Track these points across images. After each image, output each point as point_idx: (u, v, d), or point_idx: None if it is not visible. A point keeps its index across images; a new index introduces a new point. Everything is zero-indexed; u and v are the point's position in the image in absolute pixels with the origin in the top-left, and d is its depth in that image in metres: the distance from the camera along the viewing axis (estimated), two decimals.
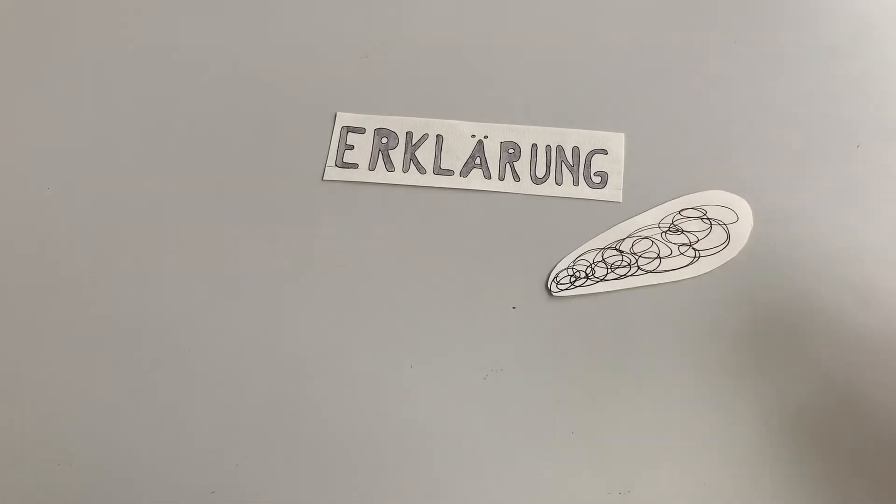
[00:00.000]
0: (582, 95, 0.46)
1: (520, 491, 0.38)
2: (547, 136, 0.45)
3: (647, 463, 0.38)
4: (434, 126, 0.46)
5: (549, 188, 0.44)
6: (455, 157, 0.45)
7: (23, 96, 0.48)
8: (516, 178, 0.44)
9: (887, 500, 0.37)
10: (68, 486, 0.38)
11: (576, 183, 0.44)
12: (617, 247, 0.42)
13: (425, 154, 0.45)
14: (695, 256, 0.42)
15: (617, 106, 0.46)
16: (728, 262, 0.42)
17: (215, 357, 0.41)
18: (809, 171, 0.44)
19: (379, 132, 0.46)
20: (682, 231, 0.42)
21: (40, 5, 0.51)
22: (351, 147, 0.45)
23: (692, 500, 0.37)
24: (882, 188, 0.43)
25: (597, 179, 0.44)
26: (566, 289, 0.41)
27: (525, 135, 0.45)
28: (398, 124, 0.46)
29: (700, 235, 0.42)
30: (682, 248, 0.42)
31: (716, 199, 0.43)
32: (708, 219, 0.42)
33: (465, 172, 0.45)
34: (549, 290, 0.41)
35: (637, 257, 0.42)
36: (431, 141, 0.45)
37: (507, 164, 0.45)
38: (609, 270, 0.42)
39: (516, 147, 0.45)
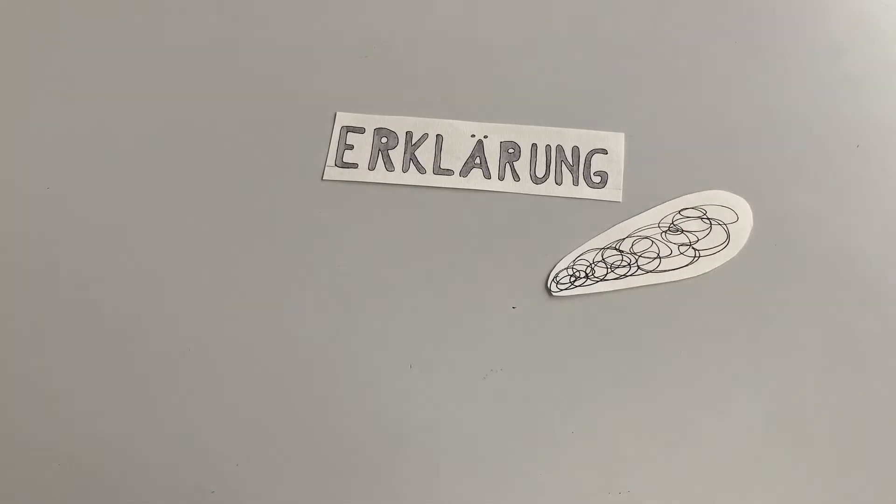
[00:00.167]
0: (582, 95, 0.46)
1: (520, 491, 0.38)
2: (547, 135, 0.45)
3: (647, 463, 0.38)
4: (434, 126, 0.46)
5: (548, 188, 0.44)
6: (455, 157, 0.45)
7: (23, 95, 0.48)
8: (516, 177, 0.44)
9: (887, 500, 0.37)
10: (68, 486, 0.38)
11: (576, 183, 0.44)
12: (617, 246, 0.42)
13: (425, 154, 0.45)
14: (695, 256, 0.42)
15: (617, 105, 0.46)
16: (728, 261, 0.42)
17: (215, 357, 0.40)
18: (809, 170, 0.44)
19: (379, 132, 0.46)
20: (682, 231, 0.42)
21: (40, 5, 0.51)
22: (351, 147, 0.45)
23: (692, 500, 0.37)
24: (882, 188, 0.43)
25: (597, 179, 0.44)
26: (566, 288, 0.41)
27: (525, 134, 0.45)
28: (398, 124, 0.46)
29: (700, 235, 0.42)
30: (682, 248, 0.42)
31: (716, 199, 0.43)
32: (708, 218, 0.42)
33: (464, 172, 0.44)
34: (548, 290, 0.41)
35: (637, 257, 0.42)
36: (431, 141, 0.45)
37: (507, 164, 0.45)
38: (609, 270, 0.42)
39: (516, 147, 0.45)
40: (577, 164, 0.44)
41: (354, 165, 0.45)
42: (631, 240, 0.42)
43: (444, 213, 0.44)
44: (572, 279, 0.41)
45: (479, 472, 0.38)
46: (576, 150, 0.45)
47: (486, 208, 0.44)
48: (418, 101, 0.46)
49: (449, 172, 0.45)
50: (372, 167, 0.45)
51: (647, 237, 0.42)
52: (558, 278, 0.41)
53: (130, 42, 0.49)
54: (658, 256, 0.42)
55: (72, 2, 0.51)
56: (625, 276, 0.41)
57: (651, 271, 0.41)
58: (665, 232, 0.42)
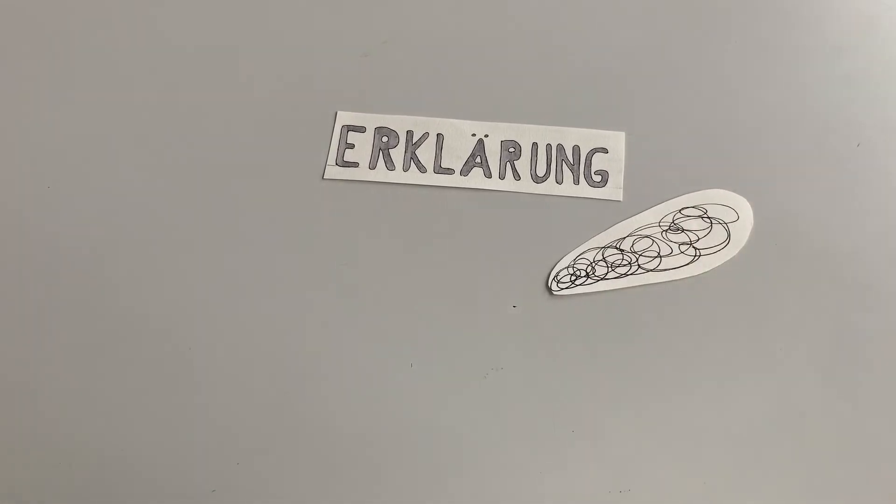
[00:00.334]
0: (582, 94, 0.46)
1: (520, 489, 0.38)
2: (547, 134, 0.45)
3: (648, 462, 0.38)
4: (434, 125, 0.46)
5: (549, 187, 0.44)
6: (455, 156, 0.45)
7: (23, 94, 0.48)
8: (517, 176, 0.44)
9: (886, 500, 0.37)
10: (68, 486, 0.38)
11: (576, 182, 0.44)
12: (617, 245, 0.42)
13: (426, 153, 0.45)
14: (695, 255, 0.42)
15: (617, 105, 0.46)
16: (728, 260, 0.42)
17: (216, 356, 0.40)
18: (810, 170, 0.44)
19: (379, 131, 0.46)
20: (683, 230, 0.42)
21: (41, 5, 0.51)
22: (351, 146, 0.45)
23: (692, 500, 0.37)
24: (882, 187, 0.43)
25: (597, 178, 0.44)
26: (567, 287, 0.41)
27: (525, 133, 0.45)
28: (398, 123, 0.46)
29: (700, 234, 0.42)
30: (683, 247, 0.42)
31: (716, 198, 0.43)
32: (708, 217, 0.42)
33: (465, 171, 0.44)
34: (549, 289, 0.41)
35: (637, 256, 0.42)
36: (432, 140, 0.45)
37: (508, 163, 0.45)
38: (609, 269, 0.42)
39: (517, 146, 0.45)
40: (577, 164, 0.44)
41: (355, 164, 0.45)
42: (631, 239, 0.42)
43: (445, 212, 0.44)
44: (573, 278, 0.41)
45: (479, 471, 0.38)
46: (576, 149, 0.45)
47: (487, 207, 0.44)
48: (419, 101, 0.46)
49: (450, 171, 0.45)
50: (372, 166, 0.45)
51: (647, 236, 0.42)
52: (559, 277, 0.41)
53: (131, 42, 0.49)
54: (659, 255, 0.42)
55: (72, 2, 0.51)
56: (625, 275, 0.41)
57: (652, 270, 0.41)
58: (666, 231, 0.42)
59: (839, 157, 0.44)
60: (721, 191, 0.43)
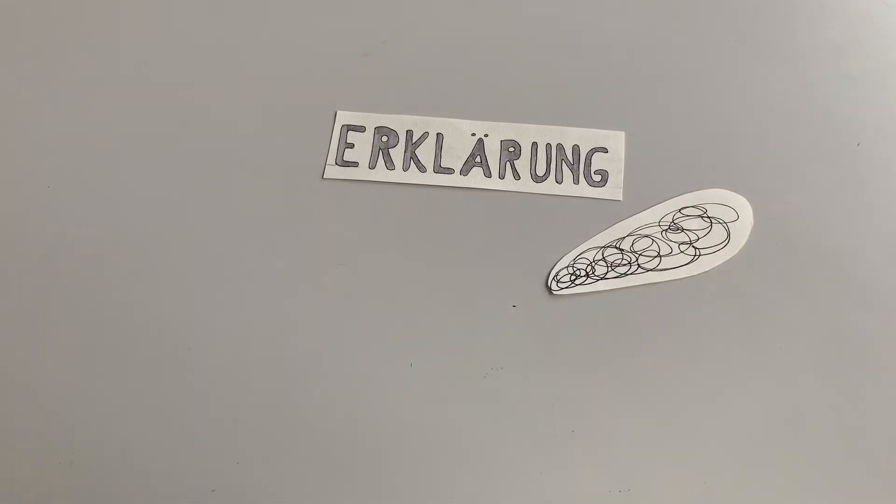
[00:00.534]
0: (582, 94, 0.46)
1: (520, 489, 0.38)
2: (547, 134, 0.45)
3: (648, 461, 0.38)
4: (434, 124, 0.46)
5: (549, 186, 0.44)
6: (455, 156, 0.45)
7: (23, 94, 0.48)
8: (516, 176, 0.44)
9: (887, 500, 0.37)
10: (69, 485, 0.38)
11: (576, 181, 0.44)
12: (617, 245, 0.42)
13: (425, 152, 0.45)
14: (695, 255, 0.42)
15: (617, 104, 0.46)
16: (728, 260, 0.42)
17: (216, 355, 0.40)
18: (810, 169, 0.44)
19: (379, 130, 0.46)
20: (683, 229, 0.42)
21: (41, 5, 0.51)
22: (351, 145, 0.45)
23: (692, 499, 0.37)
24: (882, 187, 0.43)
25: (597, 178, 0.44)
26: (566, 287, 0.41)
27: (525, 133, 0.45)
28: (398, 123, 0.46)
29: (700, 234, 0.42)
30: (683, 247, 0.42)
31: (716, 198, 0.43)
32: (708, 217, 0.42)
33: (465, 171, 0.45)
34: (549, 289, 0.41)
35: (637, 256, 0.42)
36: (432, 139, 0.45)
37: (508, 163, 0.45)
38: (609, 269, 0.42)
39: (516, 145, 0.45)
40: (577, 163, 0.44)
41: (355, 164, 0.45)
42: (631, 238, 0.42)
43: (445, 211, 0.44)
44: (573, 278, 0.41)
45: (479, 470, 0.38)
46: (576, 148, 0.45)
47: (487, 207, 0.44)
48: (419, 100, 0.46)
49: (449, 171, 0.45)
50: (372, 166, 0.45)
51: (647, 236, 0.42)
52: (559, 277, 0.41)
53: (131, 41, 0.49)
54: (658, 255, 0.42)
55: (72, 2, 0.51)
56: (625, 274, 0.41)
57: (651, 270, 0.41)
58: (665, 230, 0.42)
59: (839, 157, 0.44)
60: (721, 190, 0.43)
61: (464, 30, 0.49)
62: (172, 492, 0.38)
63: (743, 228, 0.42)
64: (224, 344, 0.41)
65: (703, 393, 0.39)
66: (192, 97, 0.47)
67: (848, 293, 0.41)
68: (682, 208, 0.43)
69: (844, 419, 0.38)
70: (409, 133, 0.46)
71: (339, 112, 0.46)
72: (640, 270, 0.41)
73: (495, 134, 0.45)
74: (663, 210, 0.43)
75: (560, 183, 0.44)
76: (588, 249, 0.42)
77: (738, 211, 0.43)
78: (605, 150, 0.45)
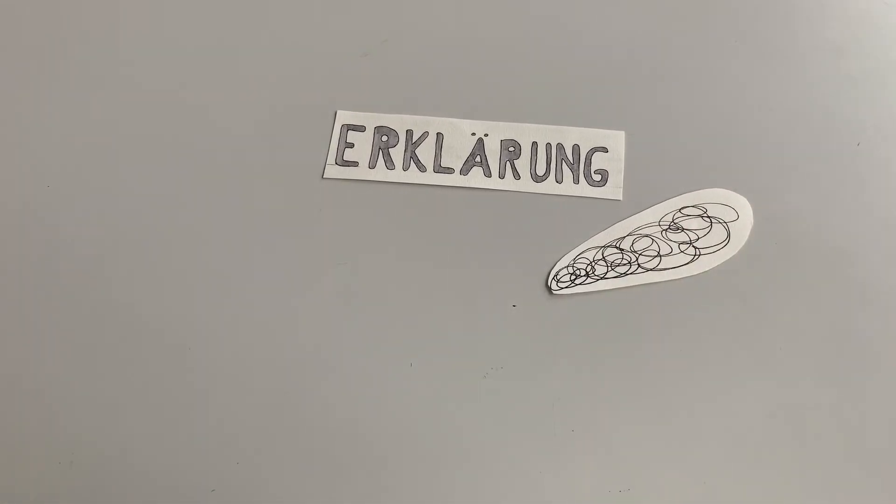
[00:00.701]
0: (582, 93, 0.46)
1: (520, 489, 0.38)
2: (547, 134, 0.45)
3: (648, 461, 0.38)
4: (434, 124, 0.46)
5: (549, 186, 0.44)
6: (455, 156, 0.45)
7: (23, 93, 0.48)
8: (516, 176, 0.44)
9: (887, 499, 0.37)
10: (69, 484, 0.38)
11: (576, 181, 0.44)
12: (617, 245, 0.42)
13: (425, 152, 0.45)
14: (695, 254, 0.42)
15: (617, 104, 0.46)
16: (728, 260, 0.42)
17: (216, 355, 0.40)
18: (810, 169, 0.44)
19: (379, 130, 0.46)
20: (683, 229, 0.42)
21: (41, 5, 0.51)
22: (351, 145, 0.45)
23: (692, 499, 0.37)
24: (882, 186, 0.43)
25: (597, 177, 0.44)
26: (566, 287, 0.41)
27: (525, 133, 0.45)
28: (398, 122, 0.46)
29: (700, 233, 0.42)
30: (683, 246, 0.42)
31: (716, 198, 0.43)
32: (708, 217, 0.42)
33: (465, 170, 0.44)
34: (549, 289, 0.41)
35: (637, 255, 0.42)
36: (432, 139, 0.45)
37: (508, 163, 0.45)
38: (609, 268, 0.42)
39: (516, 145, 0.45)
40: (577, 163, 0.44)
41: (355, 164, 0.45)
42: (631, 238, 0.42)
43: (445, 211, 0.44)
44: (573, 277, 0.41)
45: (479, 470, 0.38)
46: (576, 148, 0.45)
47: (487, 207, 0.44)
48: (419, 100, 0.46)
49: (449, 171, 0.45)
50: (372, 165, 0.45)
51: (647, 235, 0.42)
52: (559, 276, 0.41)
53: (130, 41, 0.49)
54: (658, 255, 0.42)
55: (72, 1, 0.51)
56: (625, 274, 0.41)
57: (651, 269, 0.41)
58: (665, 230, 0.42)
59: (839, 157, 0.44)
60: (721, 190, 0.43)
61: (464, 29, 0.49)
62: (172, 492, 0.38)
63: (743, 228, 0.42)
64: (224, 344, 0.41)
65: (703, 393, 0.39)
66: (191, 97, 0.47)
67: (848, 293, 0.41)
68: (682, 208, 0.43)
69: (844, 419, 0.38)
70: (409, 133, 0.46)
71: (339, 112, 0.46)
72: (640, 270, 0.41)
73: (495, 133, 0.45)
74: (663, 210, 0.43)
75: (560, 182, 0.44)
76: (588, 249, 0.42)
77: (738, 211, 0.43)
78: (605, 150, 0.45)
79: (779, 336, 0.40)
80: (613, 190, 0.44)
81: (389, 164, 0.45)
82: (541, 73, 0.47)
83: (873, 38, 0.48)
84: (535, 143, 0.45)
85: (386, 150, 0.45)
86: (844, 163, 0.44)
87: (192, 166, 0.45)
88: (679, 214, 0.43)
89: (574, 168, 0.44)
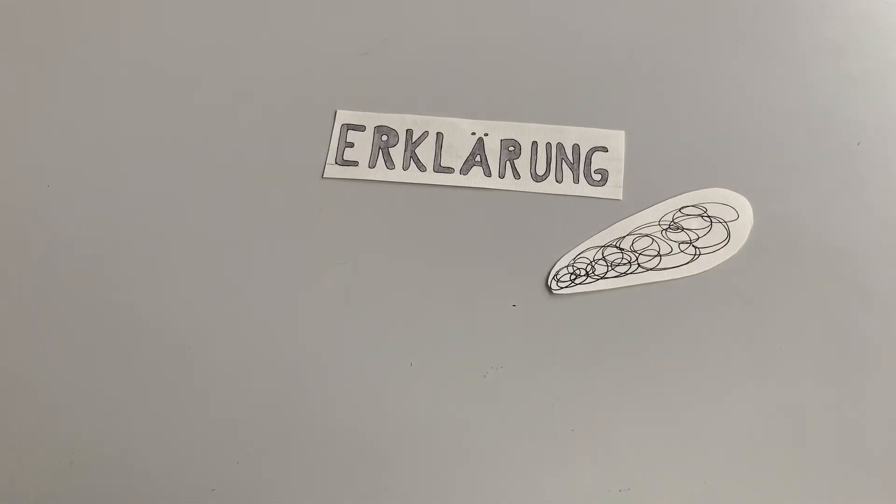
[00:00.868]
0: (582, 93, 0.46)
1: (520, 488, 0.38)
2: (547, 133, 0.45)
3: (648, 461, 0.38)
4: (434, 123, 0.46)
5: (549, 186, 0.44)
6: (455, 155, 0.45)
7: (23, 94, 0.48)
8: (516, 175, 0.44)
9: (887, 499, 0.37)
10: (69, 484, 0.38)
11: (576, 180, 0.44)
12: (617, 244, 0.42)
13: (425, 152, 0.45)
14: (695, 254, 0.42)
15: (617, 103, 0.46)
16: (728, 259, 0.42)
17: (216, 354, 0.40)
18: (810, 169, 0.44)
19: (379, 130, 0.46)
20: (683, 229, 0.42)
21: (41, 4, 0.51)
22: (351, 145, 0.45)
23: (692, 498, 0.37)
24: (883, 186, 0.43)
25: (597, 177, 0.44)
26: (566, 286, 0.41)
27: (525, 132, 0.45)
28: (398, 122, 0.46)
29: (700, 233, 0.42)
30: (683, 246, 0.42)
31: (716, 197, 0.43)
32: (708, 216, 0.42)
33: (465, 170, 0.44)
34: (549, 288, 0.41)
35: (637, 255, 0.42)
36: (432, 138, 0.45)
37: (508, 162, 0.45)
38: (609, 268, 0.41)
39: (516, 144, 0.45)
40: (577, 162, 0.44)
41: (355, 163, 0.45)
42: (631, 238, 0.42)
43: (445, 211, 0.44)
44: (573, 277, 0.41)
45: (479, 469, 0.38)
46: (576, 147, 0.45)
47: (487, 206, 0.44)
48: (419, 99, 0.46)
49: (449, 170, 0.45)
50: (372, 165, 0.45)
51: (647, 235, 0.42)
52: (559, 276, 0.41)
53: (130, 40, 0.49)
54: (658, 254, 0.42)
55: (72, 1, 0.51)
56: (625, 273, 0.41)
57: (651, 269, 0.41)
58: (665, 230, 0.42)
59: (839, 157, 0.44)
60: (721, 190, 0.43)
61: (464, 29, 0.49)
62: (172, 491, 0.38)
63: (743, 228, 0.42)
64: (224, 343, 0.41)
65: (703, 392, 0.39)
66: (191, 96, 0.47)
67: (848, 292, 0.41)
68: (683, 207, 0.43)
69: (844, 419, 0.38)
70: (409, 132, 0.46)
71: (338, 111, 0.46)
72: (640, 270, 0.41)
73: (495, 133, 0.45)
74: (663, 209, 0.43)
75: (560, 182, 0.44)
76: (588, 249, 0.42)
77: (738, 210, 0.43)
78: (605, 150, 0.45)
79: (779, 336, 0.40)
80: (613, 189, 0.44)
81: (389, 164, 0.45)
82: (541, 73, 0.47)
83: (873, 38, 0.48)
84: (535, 143, 0.45)
85: (386, 150, 0.45)
86: (844, 162, 0.44)
87: (192, 166, 0.45)
88: (679, 214, 0.43)
89: (574, 168, 0.44)
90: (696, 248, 0.42)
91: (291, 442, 0.39)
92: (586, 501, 0.37)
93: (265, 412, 0.39)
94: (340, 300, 0.41)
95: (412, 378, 0.40)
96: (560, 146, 0.45)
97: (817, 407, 0.39)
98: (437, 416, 0.39)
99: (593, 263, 0.42)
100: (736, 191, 0.43)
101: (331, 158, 0.45)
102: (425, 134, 0.45)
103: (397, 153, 0.45)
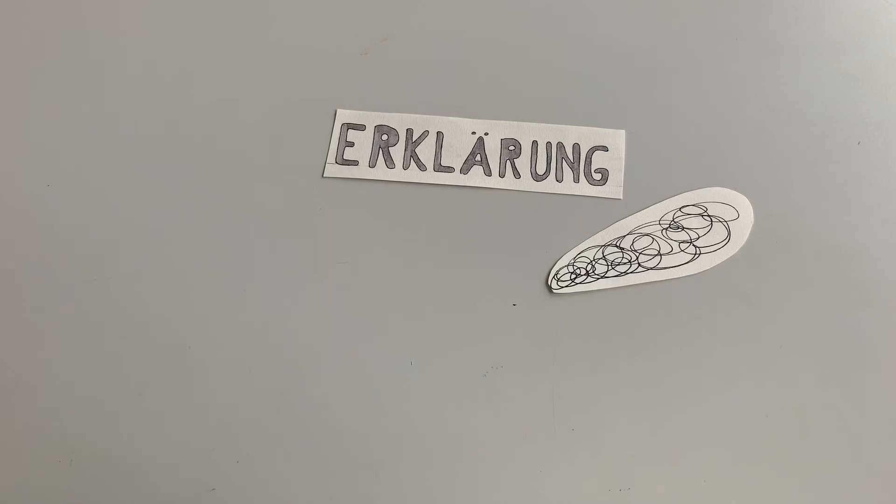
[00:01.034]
0: (582, 92, 0.46)
1: (520, 488, 0.38)
2: (547, 132, 0.45)
3: (647, 460, 0.38)
4: (434, 123, 0.46)
5: (549, 185, 0.44)
6: (455, 154, 0.45)
7: (23, 93, 0.48)
8: (517, 174, 0.44)
9: (887, 499, 0.37)
10: (68, 483, 0.38)
11: (576, 180, 0.44)
12: (617, 244, 0.42)
13: (426, 151, 0.45)
14: (695, 253, 0.42)
15: (617, 102, 0.46)
16: (728, 259, 0.42)
17: (215, 354, 0.40)
18: (810, 168, 0.44)
19: (379, 129, 0.46)
20: (683, 228, 0.42)
21: (41, 4, 0.51)
22: (351, 144, 0.45)
23: (692, 498, 0.37)
24: (883, 185, 0.43)
25: (597, 176, 0.44)
26: (567, 286, 0.41)
27: (525, 131, 0.45)
28: (398, 121, 0.46)
29: (701, 232, 0.42)
30: (683, 245, 0.42)
31: (716, 196, 0.43)
32: (708, 216, 0.42)
33: (465, 169, 0.44)
34: (549, 288, 0.41)
35: (637, 254, 0.42)
36: (432, 138, 0.45)
37: (508, 161, 0.45)
38: (609, 267, 0.41)
39: (517, 144, 0.45)
40: (577, 162, 0.44)
41: (355, 163, 0.45)
42: (632, 237, 0.42)
43: (445, 210, 0.44)
44: (573, 276, 0.41)
45: (479, 469, 0.38)
46: (576, 147, 0.45)
47: (487, 206, 0.44)
48: (419, 98, 0.46)
49: (449, 170, 0.45)
50: (372, 164, 0.45)
51: (647, 234, 0.42)
52: (559, 275, 0.41)
53: (131, 40, 0.49)
54: (659, 254, 0.42)
55: (72, 1, 0.51)
56: (625, 273, 0.41)
57: (652, 268, 0.41)
58: (666, 229, 0.42)
59: (840, 155, 0.44)
60: (721, 189, 0.43)
61: (464, 28, 0.49)
62: (172, 490, 0.38)
63: (743, 227, 0.42)
64: (223, 342, 0.41)
65: (704, 392, 0.39)
66: (192, 96, 0.47)
67: (849, 292, 0.41)
68: (683, 207, 0.43)
69: (844, 419, 0.38)
70: (410, 131, 0.46)
71: (339, 110, 0.46)
72: (640, 269, 0.41)
73: (495, 132, 0.45)
74: (664, 208, 0.43)
75: (560, 181, 0.44)
76: (588, 248, 0.42)
77: (738, 209, 0.43)
78: (605, 149, 0.44)
79: (779, 335, 0.40)
80: (614, 189, 0.44)
81: (389, 163, 0.45)
82: (541, 72, 0.47)
83: (873, 36, 0.48)
84: (535, 142, 0.45)
85: (386, 149, 0.45)
86: (845, 161, 0.44)
87: (192, 166, 0.45)
88: (679, 213, 0.43)
89: (574, 167, 0.44)
90: (696, 247, 0.42)
91: (291, 442, 0.39)
92: (586, 501, 0.37)
93: (265, 412, 0.39)
94: (340, 299, 0.41)
95: (412, 377, 0.40)
96: (560, 145, 0.45)
97: (817, 406, 0.39)
98: (438, 415, 0.39)
99: (593, 263, 0.42)
100: (736, 190, 0.43)
101: (331, 158, 0.45)
102: (425, 133, 0.45)
103: (397, 152, 0.45)
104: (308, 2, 0.50)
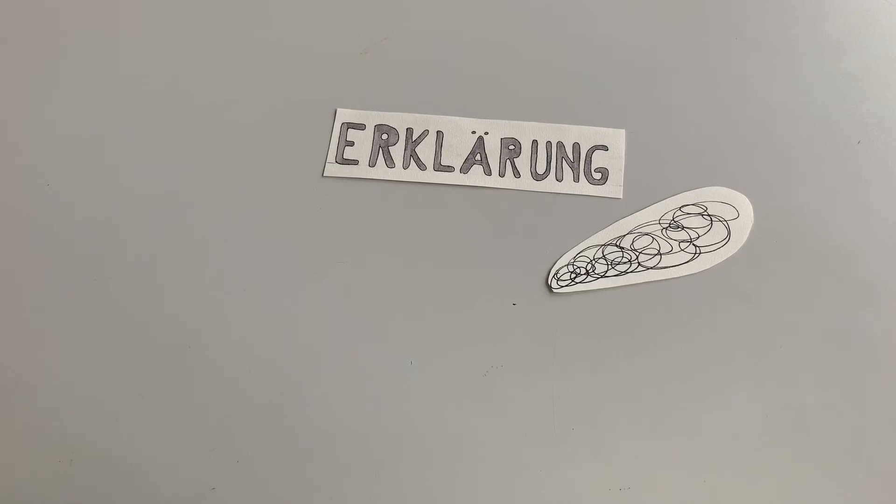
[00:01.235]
0: (582, 91, 0.46)
1: (520, 487, 0.38)
2: (547, 132, 0.45)
3: (648, 459, 0.38)
4: (434, 122, 0.46)
5: (549, 184, 0.44)
6: (455, 154, 0.45)
7: (23, 93, 0.48)
8: (517, 174, 0.44)
9: (887, 499, 0.37)
10: (68, 483, 0.38)
11: (576, 179, 0.44)
12: (617, 243, 0.42)
13: (426, 150, 0.45)
14: (695, 253, 0.42)
15: (618, 102, 0.46)
16: (728, 258, 0.42)
17: (215, 353, 0.40)
18: (810, 167, 0.44)
19: (379, 128, 0.46)
20: (683, 227, 0.42)
21: (41, 4, 0.51)
22: (351, 143, 0.45)
23: (692, 497, 0.37)
24: (883, 185, 0.43)
25: (597, 176, 0.44)
26: (566, 285, 0.41)
27: (525, 131, 0.45)
28: (398, 120, 0.46)
29: (700, 232, 0.42)
30: (683, 245, 0.42)
31: (716, 196, 0.43)
32: (708, 215, 0.42)
33: (465, 169, 0.44)
34: (549, 287, 0.41)
35: (637, 254, 0.42)
36: (432, 137, 0.45)
37: (508, 161, 0.45)
38: (609, 267, 0.41)
39: (517, 143, 0.45)
40: (577, 161, 0.44)
41: (355, 162, 0.45)
42: (631, 236, 0.42)
43: (445, 209, 0.44)
44: (573, 276, 0.41)
45: (479, 468, 0.38)
46: (576, 146, 0.45)
47: (487, 205, 0.44)
48: (419, 98, 0.46)
49: (449, 169, 0.45)
50: (372, 164, 0.45)
51: (647, 234, 0.42)
52: (559, 275, 0.41)
53: (130, 40, 0.49)
54: (658, 253, 0.42)
55: (72, 1, 0.51)
56: (625, 272, 0.41)
57: (652, 268, 0.41)
58: (666, 228, 0.42)
59: (840, 155, 0.44)
60: (721, 188, 0.43)
61: (464, 27, 0.49)
62: (172, 490, 0.38)
63: (743, 226, 0.42)
64: (224, 342, 0.41)
65: (704, 391, 0.39)
66: (191, 95, 0.47)
67: (848, 291, 0.41)
68: (683, 206, 0.43)
69: (845, 418, 0.38)
70: (410, 131, 0.46)
71: (339, 110, 0.46)
72: (640, 269, 0.41)
73: (495, 132, 0.45)
74: (664, 208, 0.43)
75: (560, 181, 0.44)
76: (588, 247, 0.42)
77: (738, 209, 0.43)
78: (605, 148, 0.44)
79: (779, 335, 0.40)
80: (614, 188, 0.44)
81: (389, 163, 0.45)
82: (541, 71, 0.47)
83: (873, 36, 0.48)
84: (535, 142, 0.45)
85: (386, 149, 0.45)
86: (845, 161, 0.44)
87: (192, 165, 0.45)
88: (679, 213, 0.43)
89: (574, 166, 0.44)
90: (696, 246, 0.42)
91: (291, 441, 0.39)
92: (586, 500, 0.37)
93: (265, 411, 0.39)
94: (340, 299, 0.41)
95: (412, 377, 0.40)
96: (560, 145, 0.45)
97: (817, 406, 0.39)
98: (438, 414, 0.39)
99: (593, 262, 0.42)
100: (736, 189, 0.43)
101: (331, 157, 0.45)
102: (425, 133, 0.45)
103: (397, 152, 0.45)
104: (308, 2, 0.50)
